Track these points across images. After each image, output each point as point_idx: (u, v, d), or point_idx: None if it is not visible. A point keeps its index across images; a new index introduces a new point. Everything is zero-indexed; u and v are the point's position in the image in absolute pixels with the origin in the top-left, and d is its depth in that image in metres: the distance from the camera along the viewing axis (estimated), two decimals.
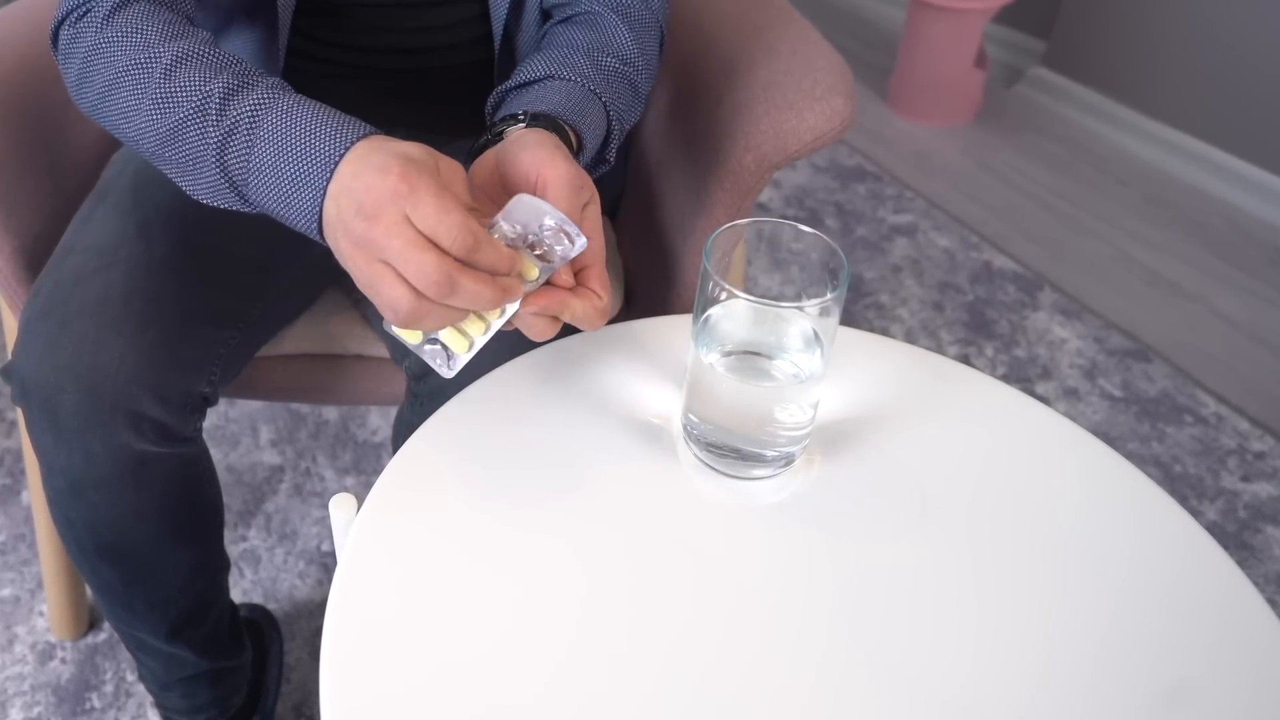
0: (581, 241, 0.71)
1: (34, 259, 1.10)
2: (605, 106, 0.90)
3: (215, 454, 1.68)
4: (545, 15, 1.04)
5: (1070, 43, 2.88)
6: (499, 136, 0.82)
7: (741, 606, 0.66)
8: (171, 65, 0.76)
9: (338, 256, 0.70)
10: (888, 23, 3.42)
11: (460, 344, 0.70)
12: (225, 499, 1.59)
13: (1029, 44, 3.09)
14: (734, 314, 0.72)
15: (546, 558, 0.68)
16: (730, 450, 0.74)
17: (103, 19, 0.80)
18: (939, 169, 2.65)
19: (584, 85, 0.89)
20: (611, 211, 1.31)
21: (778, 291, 0.75)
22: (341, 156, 0.69)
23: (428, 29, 1.06)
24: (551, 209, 0.72)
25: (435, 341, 0.71)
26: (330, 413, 1.77)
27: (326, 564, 1.52)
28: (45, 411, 0.88)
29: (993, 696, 0.62)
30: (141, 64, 0.77)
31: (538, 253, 0.71)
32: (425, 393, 0.95)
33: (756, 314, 0.73)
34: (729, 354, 0.73)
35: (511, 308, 0.70)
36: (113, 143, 1.21)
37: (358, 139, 0.70)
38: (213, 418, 1.74)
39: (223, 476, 1.63)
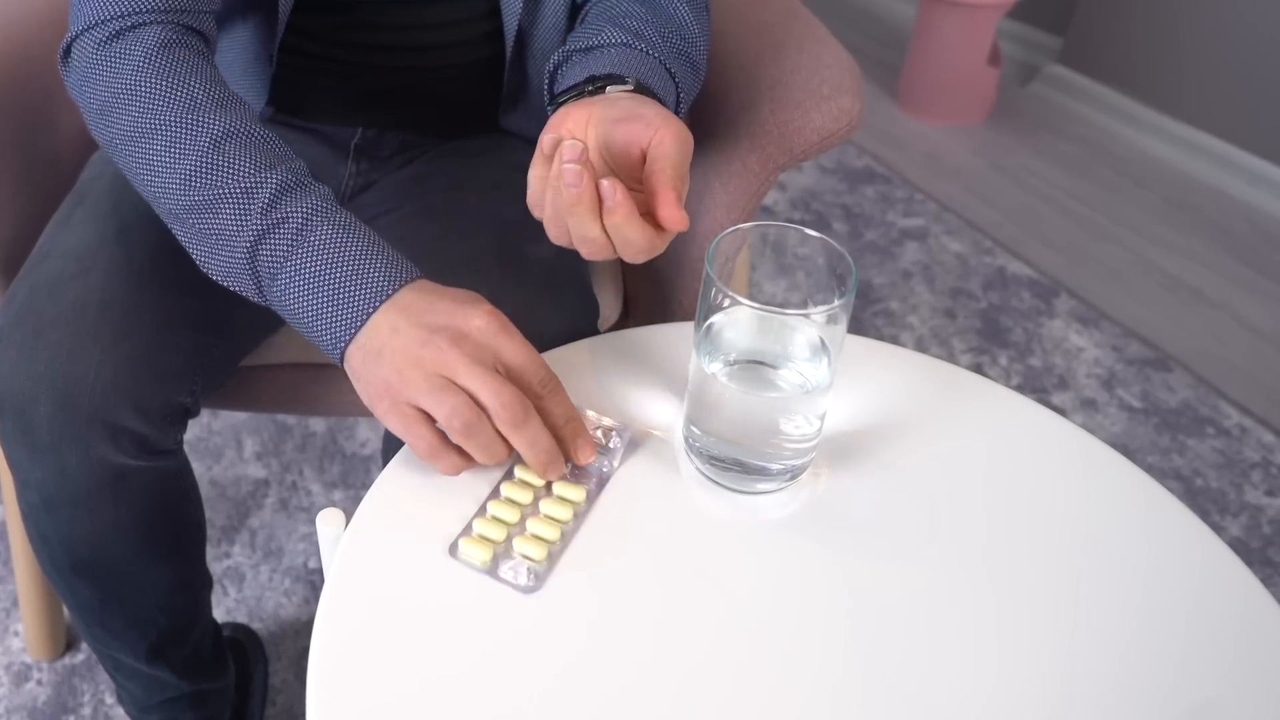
0: (629, 432, 0.78)
1: (9, 263, 1.10)
2: (674, 80, 0.92)
3: (198, 467, 1.68)
4: (574, 8, 1.05)
5: (1088, 39, 2.88)
6: (599, 90, 0.84)
7: (745, 626, 0.66)
8: (220, 139, 0.79)
9: (369, 371, 0.74)
10: (898, 19, 3.43)
11: (538, 551, 0.70)
12: (208, 514, 1.59)
13: (1044, 40, 3.09)
14: (737, 322, 0.72)
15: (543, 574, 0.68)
16: (734, 463, 0.74)
17: (143, 56, 0.81)
18: (951, 170, 2.65)
19: (657, 58, 0.91)
20: None
21: (783, 298, 0.75)
22: (394, 291, 0.75)
23: (432, 26, 1.06)
24: (591, 412, 0.79)
25: (510, 557, 0.70)
26: (317, 424, 1.77)
27: (313, 581, 1.52)
28: (19, 423, 0.88)
29: (1011, 718, 0.62)
30: (188, 126, 0.79)
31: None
32: None
33: (761, 322, 0.73)
34: (732, 363, 0.73)
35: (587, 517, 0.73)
36: (92, 142, 1.21)
37: (408, 280, 0.76)
38: (195, 430, 1.74)
39: (206, 491, 1.63)
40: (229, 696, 1.25)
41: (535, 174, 0.78)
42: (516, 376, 0.72)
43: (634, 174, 0.79)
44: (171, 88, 0.80)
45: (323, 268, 0.75)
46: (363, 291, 0.75)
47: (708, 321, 0.71)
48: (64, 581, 1.00)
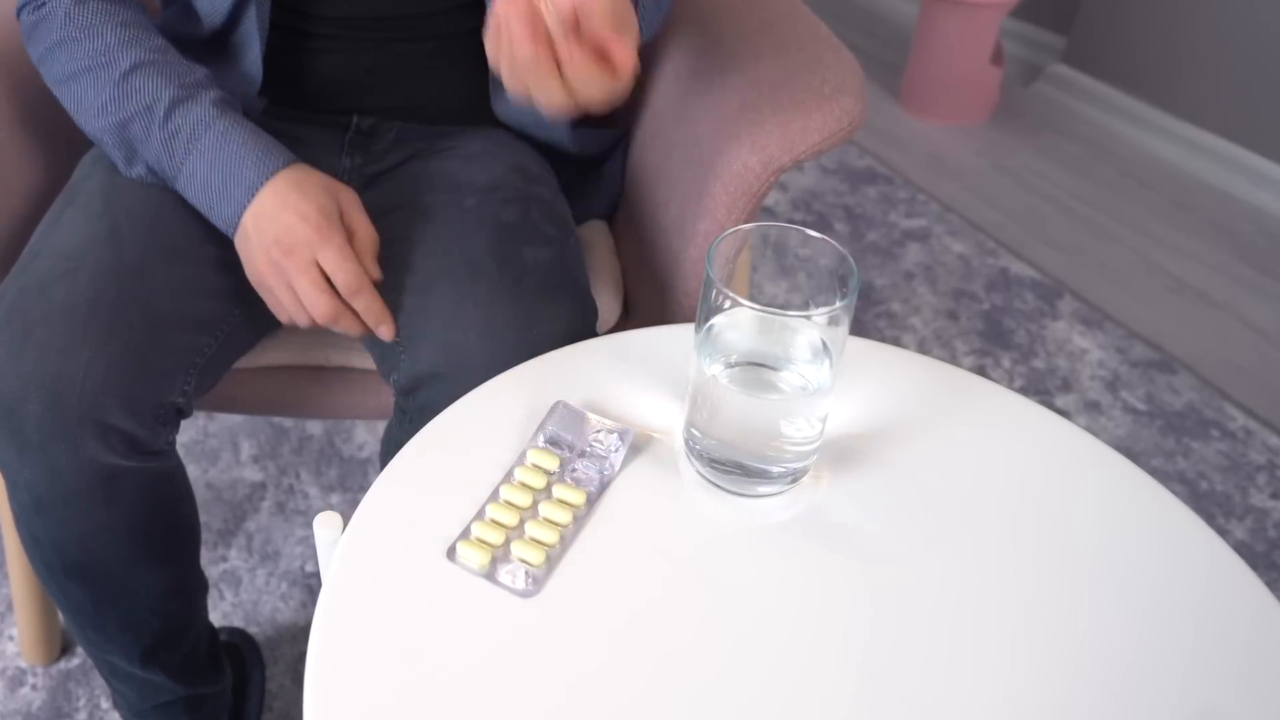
0: (630, 435, 0.78)
1: (4, 264, 1.10)
2: None
3: (194, 470, 1.68)
4: None
5: (1092, 38, 2.88)
6: None
7: (747, 631, 0.66)
8: (129, 71, 0.98)
9: (245, 258, 0.95)
10: (900, 18, 3.43)
11: (537, 555, 0.70)
12: (204, 517, 1.59)
13: (1048, 39, 3.10)
14: (738, 323, 0.72)
15: (542, 578, 0.68)
16: (735, 466, 0.74)
17: (64, 15, 1.00)
18: (953, 171, 2.65)
19: None
20: (609, 213, 1.31)
21: (784, 300, 0.75)
22: (263, 183, 0.94)
23: None
24: (592, 415, 0.79)
25: (508, 560, 0.70)
26: (315, 427, 1.77)
27: (310, 585, 1.52)
28: (8, 423, 0.88)
29: None
30: (102, 66, 0.98)
31: (583, 462, 0.76)
32: (414, 409, 0.95)
33: (762, 323, 0.73)
34: (733, 365, 0.73)
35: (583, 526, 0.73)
36: (86, 142, 1.21)
37: (276, 170, 0.95)
38: (191, 432, 1.74)
39: (202, 493, 1.63)
40: (225, 701, 1.24)
41: (490, 37, 0.81)
42: (331, 278, 0.92)
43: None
44: (88, 37, 0.98)
45: (206, 172, 0.95)
46: (232, 198, 0.94)
47: (708, 323, 0.71)
48: (56, 584, 1.00)
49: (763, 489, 0.75)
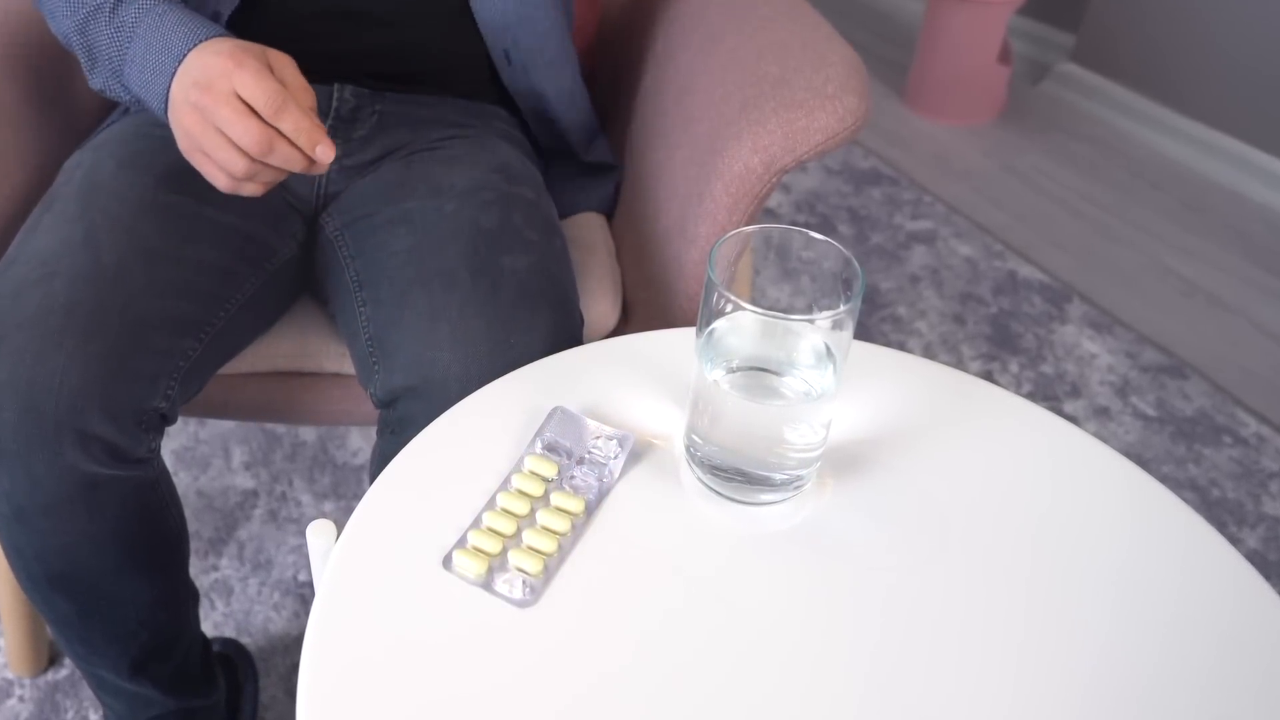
0: (629, 441, 0.78)
1: None
2: None
3: (184, 477, 1.68)
4: None
5: (1101, 36, 2.89)
6: None
7: (750, 642, 0.66)
8: None
9: (176, 129, 0.93)
10: (905, 15, 3.44)
11: (534, 564, 0.70)
12: (195, 525, 1.59)
13: (1056, 38, 3.10)
14: (740, 327, 0.72)
15: (541, 587, 0.68)
16: (736, 473, 0.74)
17: None
18: (960, 172, 2.65)
19: None
20: (607, 212, 1.31)
21: (787, 303, 0.75)
22: (190, 48, 0.93)
23: None
24: (591, 420, 0.79)
25: (505, 570, 0.70)
26: (308, 433, 1.77)
27: (304, 595, 1.52)
28: None
29: None
30: None
31: (582, 469, 0.76)
32: (394, 421, 0.95)
33: (764, 328, 0.73)
34: (735, 370, 0.74)
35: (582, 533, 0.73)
36: (68, 147, 1.22)
37: (208, 37, 0.93)
38: (182, 439, 1.74)
39: (193, 501, 1.63)
40: (218, 713, 1.24)
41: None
42: (252, 104, 0.89)
43: None
44: None
45: (142, 54, 0.96)
46: (163, 69, 0.94)
47: (709, 327, 0.71)
48: (41, 595, 1.00)
49: (765, 497, 0.75)
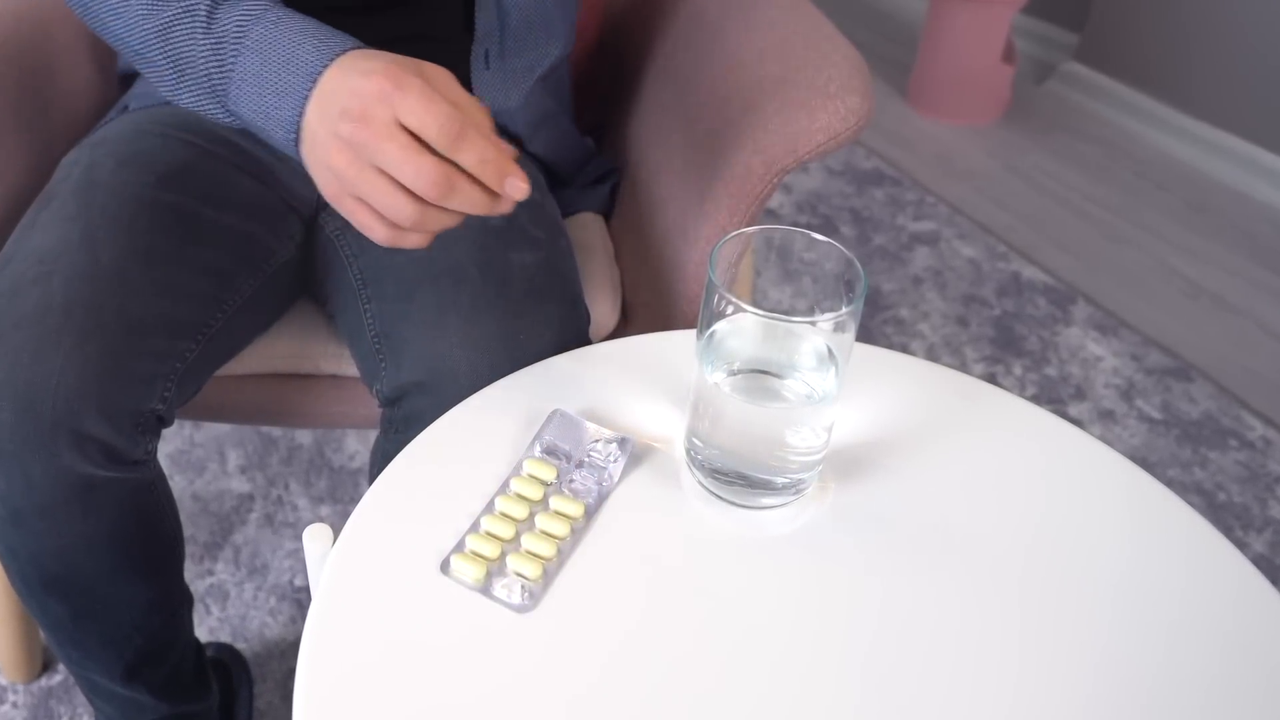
0: (629, 444, 0.77)
1: None
2: None
3: (180, 481, 1.68)
4: None
5: (1105, 35, 2.89)
6: None
7: (750, 648, 0.66)
8: None
9: (316, 170, 0.76)
10: (908, 14, 3.44)
11: (533, 568, 0.70)
12: (191, 529, 1.59)
13: (1060, 37, 3.10)
14: (741, 330, 0.72)
15: (539, 592, 0.68)
16: (738, 477, 0.74)
17: None
18: (963, 172, 2.65)
19: None
20: (605, 212, 1.31)
21: (789, 305, 0.75)
22: (325, 66, 0.76)
23: None
24: (590, 423, 0.79)
25: (503, 574, 0.70)
26: (304, 437, 1.77)
27: (300, 600, 1.52)
28: None
29: None
30: None
31: (581, 473, 0.76)
32: (399, 419, 0.95)
33: (766, 330, 0.73)
34: (736, 373, 0.74)
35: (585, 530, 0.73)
36: (64, 145, 1.22)
37: (343, 50, 0.77)
38: (177, 442, 1.74)
39: (188, 505, 1.63)
40: (211, 718, 1.24)
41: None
42: (421, 134, 0.72)
43: None
44: None
45: (258, 69, 0.79)
46: (291, 90, 0.77)
47: (710, 329, 0.71)
48: (34, 599, 1.00)
49: (766, 500, 0.75)
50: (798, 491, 0.75)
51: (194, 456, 1.72)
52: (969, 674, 0.65)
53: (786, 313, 0.68)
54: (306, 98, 0.76)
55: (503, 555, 0.70)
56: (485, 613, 0.67)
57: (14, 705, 1.38)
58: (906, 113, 2.91)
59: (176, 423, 1.74)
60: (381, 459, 0.97)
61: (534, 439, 0.78)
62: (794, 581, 0.70)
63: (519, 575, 0.69)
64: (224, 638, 1.46)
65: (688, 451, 0.77)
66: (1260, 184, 2.59)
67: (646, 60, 1.33)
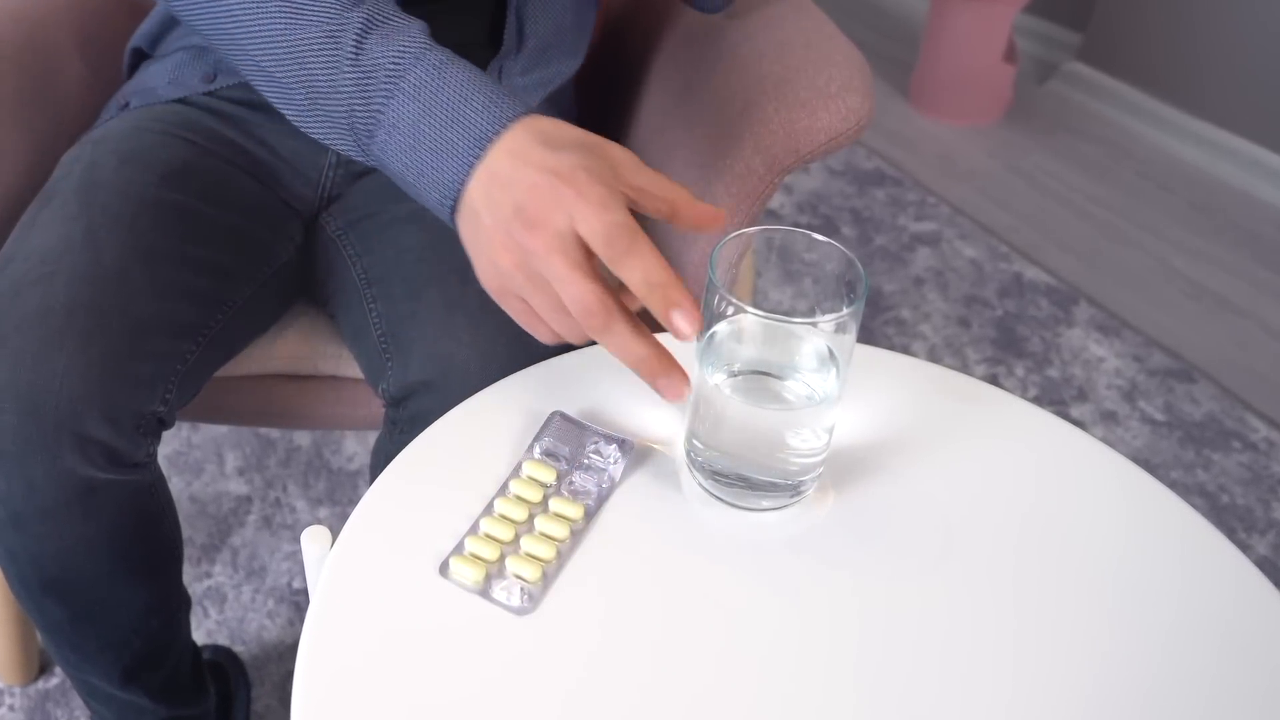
0: (629, 446, 0.77)
1: None
2: None
3: (177, 483, 1.68)
4: None
5: (1108, 35, 2.89)
6: None
7: (751, 651, 0.66)
8: None
9: (480, 254, 0.72)
10: (909, 13, 3.44)
11: (532, 571, 0.70)
12: (189, 532, 1.59)
13: (1063, 36, 3.10)
14: (742, 331, 0.72)
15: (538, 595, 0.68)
16: (738, 479, 0.74)
17: None
18: (965, 172, 2.66)
19: None
20: None
21: (789, 306, 0.75)
22: (497, 133, 0.70)
23: None
24: (590, 425, 0.79)
25: (503, 577, 0.70)
26: (302, 438, 1.77)
27: (298, 602, 1.51)
28: None
29: None
30: None
31: (581, 475, 0.76)
32: (404, 419, 0.95)
33: (766, 331, 0.73)
34: (736, 374, 0.73)
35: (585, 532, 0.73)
36: (62, 141, 1.22)
37: (516, 117, 0.71)
38: (174, 444, 1.74)
39: (186, 507, 1.63)
40: None
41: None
42: (591, 242, 0.68)
43: None
44: None
45: (415, 117, 0.72)
46: (455, 151, 0.71)
47: (711, 331, 0.71)
48: (33, 601, 1.00)
49: (767, 502, 0.75)
50: (799, 493, 0.75)
51: (192, 458, 1.72)
52: (971, 677, 0.65)
53: (787, 313, 0.68)
54: (472, 166, 0.71)
55: (502, 557, 0.70)
56: (484, 615, 0.67)
57: (10, 708, 1.38)
58: (908, 113, 2.91)
59: (174, 425, 1.74)
60: (384, 459, 0.97)
61: (533, 441, 0.78)
62: (794, 585, 0.70)
63: (518, 577, 0.69)
64: (222, 640, 1.46)
65: (688, 453, 0.77)
66: (1263, 184, 2.59)
67: (647, 60, 1.33)
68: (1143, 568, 0.73)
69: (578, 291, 0.67)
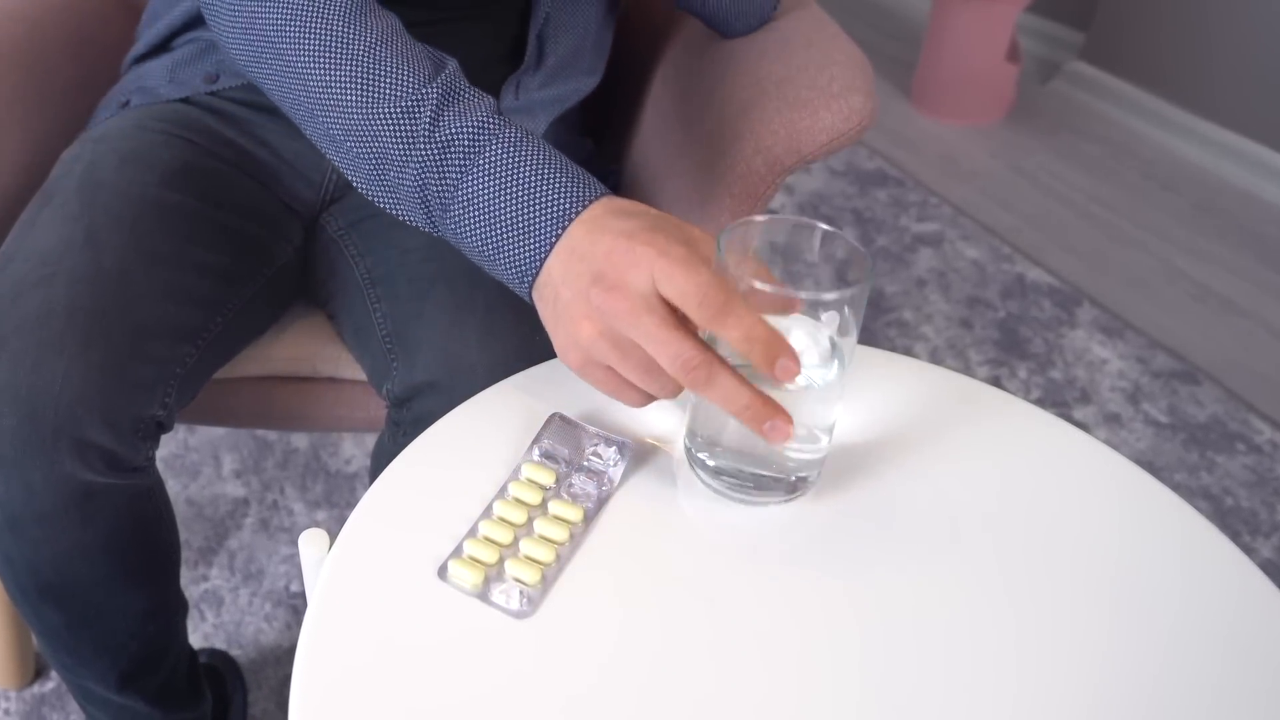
0: (629, 448, 0.77)
1: None
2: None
3: (174, 485, 1.68)
4: None
5: (1112, 34, 2.89)
6: None
7: (751, 654, 0.66)
8: (375, 44, 0.76)
9: (554, 322, 0.71)
10: (911, 13, 3.44)
11: (532, 574, 0.69)
12: (185, 535, 1.59)
13: (1066, 35, 3.10)
14: None
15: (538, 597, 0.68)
16: (739, 475, 0.74)
17: None
18: (967, 173, 2.66)
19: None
20: None
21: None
22: (577, 213, 0.71)
23: None
24: (589, 427, 0.79)
25: (502, 580, 0.70)
26: (300, 440, 1.77)
27: (295, 606, 1.51)
28: None
29: None
30: (338, 33, 0.77)
31: (580, 477, 0.76)
32: (408, 420, 0.95)
33: (770, 320, 0.73)
34: (738, 367, 0.73)
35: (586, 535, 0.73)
36: (69, 137, 1.22)
37: (595, 198, 0.72)
38: (171, 446, 1.74)
39: (183, 510, 1.63)
40: None
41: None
42: (684, 302, 0.66)
43: None
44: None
45: (492, 195, 0.72)
46: (534, 231, 0.71)
47: None
48: (30, 606, 1.00)
49: (769, 499, 0.75)
50: (801, 490, 0.75)
51: (188, 461, 1.72)
52: (973, 680, 0.65)
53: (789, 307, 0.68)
54: (552, 246, 0.70)
55: (501, 560, 0.70)
56: (483, 618, 0.67)
57: (6, 712, 1.38)
58: (910, 112, 2.91)
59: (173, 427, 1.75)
60: (385, 460, 0.97)
61: (532, 443, 0.78)
62: (797, 586, 0.70)
63: (517, 581, 0.69)
64: (219, 644, 1.46)
65: (688, 450, 0.77)
66: (1268, 185, 2.59)
67: (647, 60, 1.33)
68: (1146, 571, 0.73)
69: (677, 349, 0.66)
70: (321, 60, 0.77)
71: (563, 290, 0.70)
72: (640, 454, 0.78)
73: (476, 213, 0.73)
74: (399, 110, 0.75)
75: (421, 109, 0.74)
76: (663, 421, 0.81)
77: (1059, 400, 1.97)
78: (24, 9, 1.22)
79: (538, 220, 0.71)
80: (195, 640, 1.45)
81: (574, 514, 0.73)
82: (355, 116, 0.76)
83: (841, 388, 0.72)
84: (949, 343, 2.09)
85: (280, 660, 1.45)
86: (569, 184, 0.72)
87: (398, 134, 0.75)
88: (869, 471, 0.79)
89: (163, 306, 0.95)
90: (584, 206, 0.71)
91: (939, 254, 2.34)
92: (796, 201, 2.49)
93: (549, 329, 0.72)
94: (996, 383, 1.99)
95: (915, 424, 0.83)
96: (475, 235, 0.74)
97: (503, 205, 0.72)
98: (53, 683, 1.41)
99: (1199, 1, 2.64)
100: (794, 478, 0.74)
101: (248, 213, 1.06)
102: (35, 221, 0.97)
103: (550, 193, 0.72)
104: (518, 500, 0.74)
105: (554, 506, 0.73)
